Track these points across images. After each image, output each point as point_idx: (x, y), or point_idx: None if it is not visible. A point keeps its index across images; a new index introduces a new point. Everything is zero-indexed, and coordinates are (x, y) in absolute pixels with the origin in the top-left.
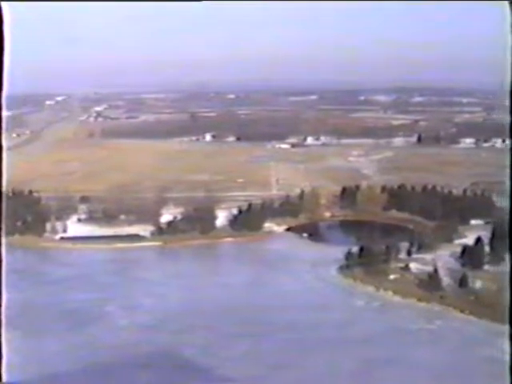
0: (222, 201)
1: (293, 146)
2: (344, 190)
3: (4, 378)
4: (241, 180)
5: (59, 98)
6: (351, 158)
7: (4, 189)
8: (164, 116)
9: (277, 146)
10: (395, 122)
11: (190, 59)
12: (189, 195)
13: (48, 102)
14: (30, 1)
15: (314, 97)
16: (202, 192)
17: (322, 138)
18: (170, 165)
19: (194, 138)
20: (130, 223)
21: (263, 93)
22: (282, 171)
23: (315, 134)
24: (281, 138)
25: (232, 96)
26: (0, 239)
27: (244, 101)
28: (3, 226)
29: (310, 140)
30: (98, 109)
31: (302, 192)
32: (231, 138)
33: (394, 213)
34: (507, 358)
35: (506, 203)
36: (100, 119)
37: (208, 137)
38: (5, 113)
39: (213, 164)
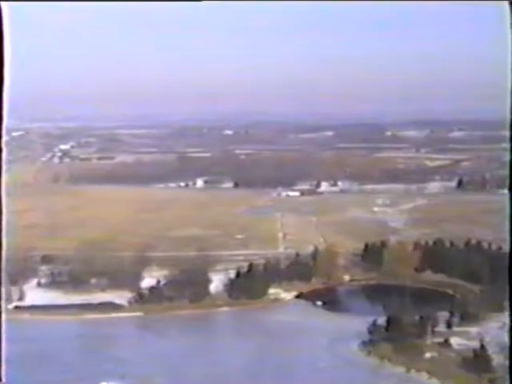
0: (217, 261)
1: (303, 193)
2: (367, 247)
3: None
4: (240, 236)
5: (15, 134)
6: (376, 208)
7: None
8: (146, 157)
9: (284, 193)
10: (430, 163)
11: (176, 87)
12: (176, 254)
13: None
14: (30, 1)
15: (329, 133)
16: (193, 250)
17: (340, 184)
18: (152, 217)
19: (182, 183)
20: (104, 288)
21: (267, 128)
22: (290, 224)
23: (331, 178)
24: (289, 183)
25: (229, 132)
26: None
27: (244, 138)
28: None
29: (324, 186)
30: (63, 147)
31: (316, 250)
32: (228, 184)
33: (429, 275)
34: None
35: None
36: (66, 160)
37: (200, 182)
38: None
39: (206, 216)
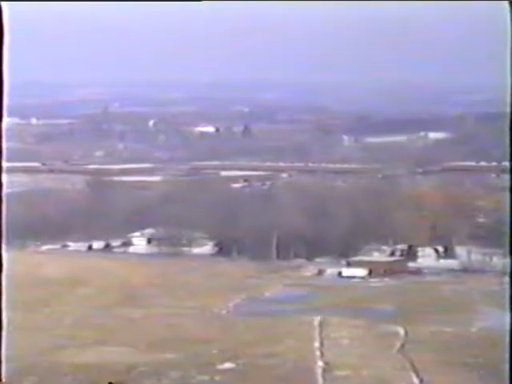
0: None
1: (373, 271)
2: None
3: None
4: (227, 365)
5: None
6: None
7: None
8: (18, 181)
9: (330, 270)
10: None
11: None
12: None
13: None
14: (30, 1)
15: (435, 134)
16: None
17: (460, 252)
18: (28, 317)
19: (97, 243)
20: None
21: (291, 123)
22: (341, 342)
23: (438, 239)
24: (341, 248)
25: (208, 129)
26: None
27: (240, 143)
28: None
29: (424, 256)
30: None
31: None
32: (202, 247)
33: None
34: None
35: None
36: None
37: (139, 241)
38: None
39: (149, 318)
